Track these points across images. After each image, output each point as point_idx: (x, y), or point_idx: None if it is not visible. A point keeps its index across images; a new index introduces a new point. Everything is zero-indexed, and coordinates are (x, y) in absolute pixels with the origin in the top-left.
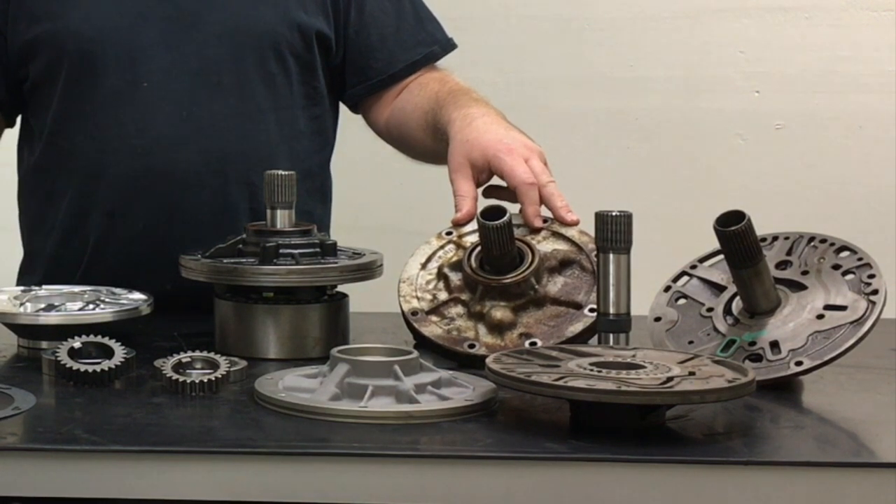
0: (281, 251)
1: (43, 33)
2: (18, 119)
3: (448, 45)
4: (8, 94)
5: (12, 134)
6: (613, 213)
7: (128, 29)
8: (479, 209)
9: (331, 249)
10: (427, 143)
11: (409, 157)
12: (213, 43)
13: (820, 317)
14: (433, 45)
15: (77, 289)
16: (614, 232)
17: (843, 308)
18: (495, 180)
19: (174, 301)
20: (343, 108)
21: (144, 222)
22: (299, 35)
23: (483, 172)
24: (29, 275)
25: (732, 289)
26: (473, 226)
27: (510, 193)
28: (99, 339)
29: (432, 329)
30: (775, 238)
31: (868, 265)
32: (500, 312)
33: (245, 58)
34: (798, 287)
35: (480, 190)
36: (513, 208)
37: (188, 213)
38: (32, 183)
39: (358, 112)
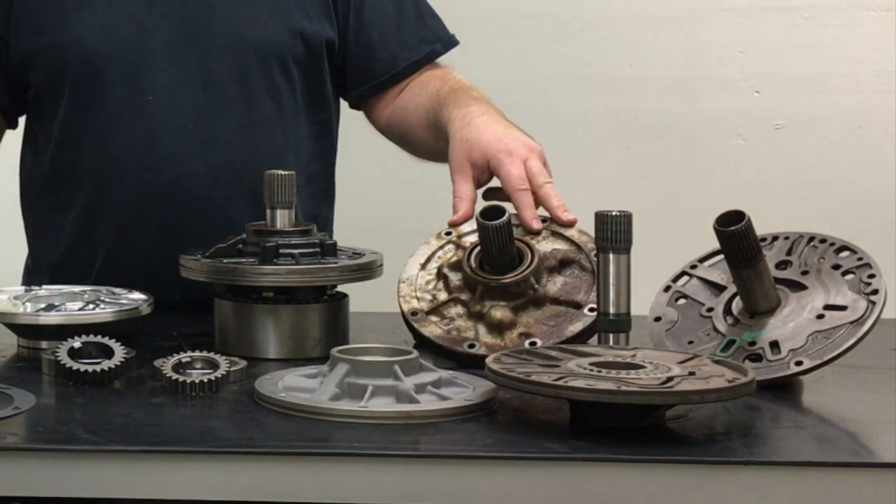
0: (281, 251)
1: (46, 45)
2: (21, 120)
3: (450, 42)
4: (10, 100)
5: (15, 136)
6: (613, 213)
7: (132, 42)
8: (479, 209)
9: (331, 249)
10: (428, 142)
11: (411, 155)
12: (217, 55)
13: (820, 317)
14: (435, 42)
15: (77, 289)
16: (614, 232)
17: (843, 308)
18: (496, 181)
19: (181, 310)
20: (344, 108)
21: (152, 235)
22: (303, 44)
23: (484, 172)
24: (34, 281)
25: (732, 289)
26: (473, 226)
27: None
28: (99, 339)
29: (432, 329)
30: (775, 238)
31: (868, 265)
32: (499, 312)
33: (249, 69)
34: (798, 287)
35: (480, 191)
36: (512, 208)
37: (196, 225)
38: (38, 191)
39: (359, 109)
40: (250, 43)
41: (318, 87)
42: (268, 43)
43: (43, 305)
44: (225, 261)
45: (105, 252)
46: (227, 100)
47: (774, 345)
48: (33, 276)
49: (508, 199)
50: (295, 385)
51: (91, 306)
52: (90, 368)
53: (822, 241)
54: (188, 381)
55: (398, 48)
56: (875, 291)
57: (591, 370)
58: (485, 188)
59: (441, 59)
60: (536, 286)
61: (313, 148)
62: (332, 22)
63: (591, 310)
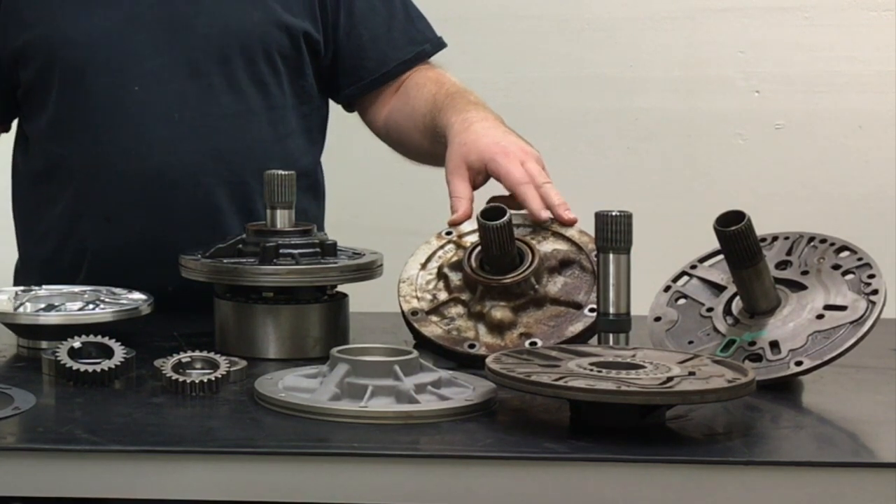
0: (281, 251)
1: (34, 39)
2: (14, 123)
3: (438, 44)
4: (2, 101)
5: (7, 137)
6: (613, 213)
7: (117, 34)
8: (478, 209)
9: (331, 249)
10: (425, 145)
11: (407, 158)
12: (202, 45)
13: (820, 317)
14: (424, 43)
15: (77, 289)
16: (614, 232)
17: (843, 308)
18: (490, 185)
19: (176, 302)
20: (339, 106)
21: (141, 225)
22: (287, 36)
23: (479, 175)
24: (24, 279)
25: (732, 289)
26: (473, 225)
27: (510, 200)
28: (99, 339)
29: (432, 329)
30: (775, 238)
31: (868, 265)
32: (500, 312)
33: (234, 59)
34: (798, 287)
35: (477, 192)
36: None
37: (184, 214)
38: (27, 188)
39: (352, 111)
40: (236, 33)
41: (302, 82)
42: (253, 34)
43: (43, 305)
44: (225, 261)
45: (94, 244)
46: (214, 89)
47: (774, 345)
48: (22, 275)
49: (511, 205)
50: (295, 385)
51: (91, 306)
52: (90, 368)
53: (822, 241)
54: (188, 381)
55: (388, 48)
56: (875, 291)
57: (592, 370)
58: (490, 197)
59: (438, 60)
60: (537, 286)
61: (301, 142)
62: (316, 20)
63: (592, 310)
